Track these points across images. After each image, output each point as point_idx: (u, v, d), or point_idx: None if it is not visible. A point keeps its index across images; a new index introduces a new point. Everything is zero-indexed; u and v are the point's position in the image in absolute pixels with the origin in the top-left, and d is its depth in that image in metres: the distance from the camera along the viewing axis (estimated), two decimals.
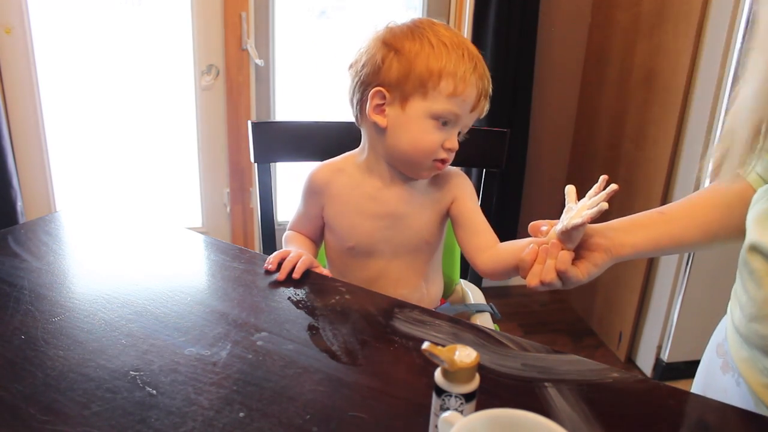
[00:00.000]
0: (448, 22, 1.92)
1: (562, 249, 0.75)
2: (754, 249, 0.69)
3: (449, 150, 0.91)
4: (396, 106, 0.90)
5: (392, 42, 0.89)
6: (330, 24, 2.32)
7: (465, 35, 2.12)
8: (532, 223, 0.82)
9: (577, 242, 0.76)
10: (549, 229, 0.78)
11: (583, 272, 0.76)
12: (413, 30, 0.90)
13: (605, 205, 0.72)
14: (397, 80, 0.88)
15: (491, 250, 0.92)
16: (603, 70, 2.20)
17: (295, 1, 2.18)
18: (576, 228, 0.72)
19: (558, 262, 0.74)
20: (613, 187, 0.73)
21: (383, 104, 0.90)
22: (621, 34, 2.08)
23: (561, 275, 0.75)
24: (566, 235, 0.74)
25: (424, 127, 0.89)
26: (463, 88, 0.87)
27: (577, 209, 0.74)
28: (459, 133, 0.93)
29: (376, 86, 0.90)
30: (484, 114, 0.94)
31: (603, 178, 0.76)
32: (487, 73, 0.92)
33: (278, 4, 2.05)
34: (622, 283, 2.12)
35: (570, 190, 0.79)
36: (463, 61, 0.88)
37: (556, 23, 2.23)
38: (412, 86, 0.88)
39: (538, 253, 0.76)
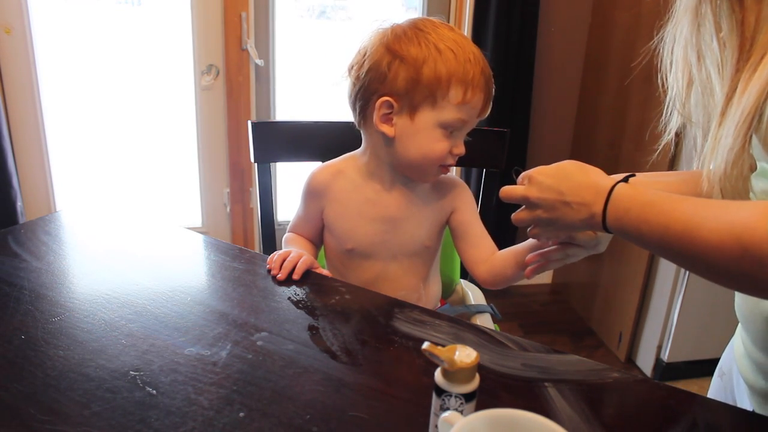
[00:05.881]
0: (447, 22, 1.92)
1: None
2: None
3: (456, 156, 0.91)
4: (404, 115, 0.88)
5: (397, 48, 0.86)
6: (330, 24, 2.32)
7: (465, 35, 2.13)
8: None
9: None
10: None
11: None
12: (417, 34, 0.87)
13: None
14: (405, 89, 0.86)
15: (488, 262, 0.95)
16: (603, 70, 2.20)
17: (296, 1, 2.18)
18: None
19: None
20: None
21: (390, 113, 0.88)
22: (621, 34, 2.08)
23: (571, 240, 0.79)
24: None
25: (433, 136, 0.88)
26: (472, 95, 0.86)
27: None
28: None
29: (383, 95, 0.87)
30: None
31: None
32: (491, 75, 0.90)
33: (278, 4, 2.05)
34: (622, 283, 2.12)
35: None
36: (471, 65, 0.86)
37: (556, 23, 2.23)
38: (420, 95, 0.86)
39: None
